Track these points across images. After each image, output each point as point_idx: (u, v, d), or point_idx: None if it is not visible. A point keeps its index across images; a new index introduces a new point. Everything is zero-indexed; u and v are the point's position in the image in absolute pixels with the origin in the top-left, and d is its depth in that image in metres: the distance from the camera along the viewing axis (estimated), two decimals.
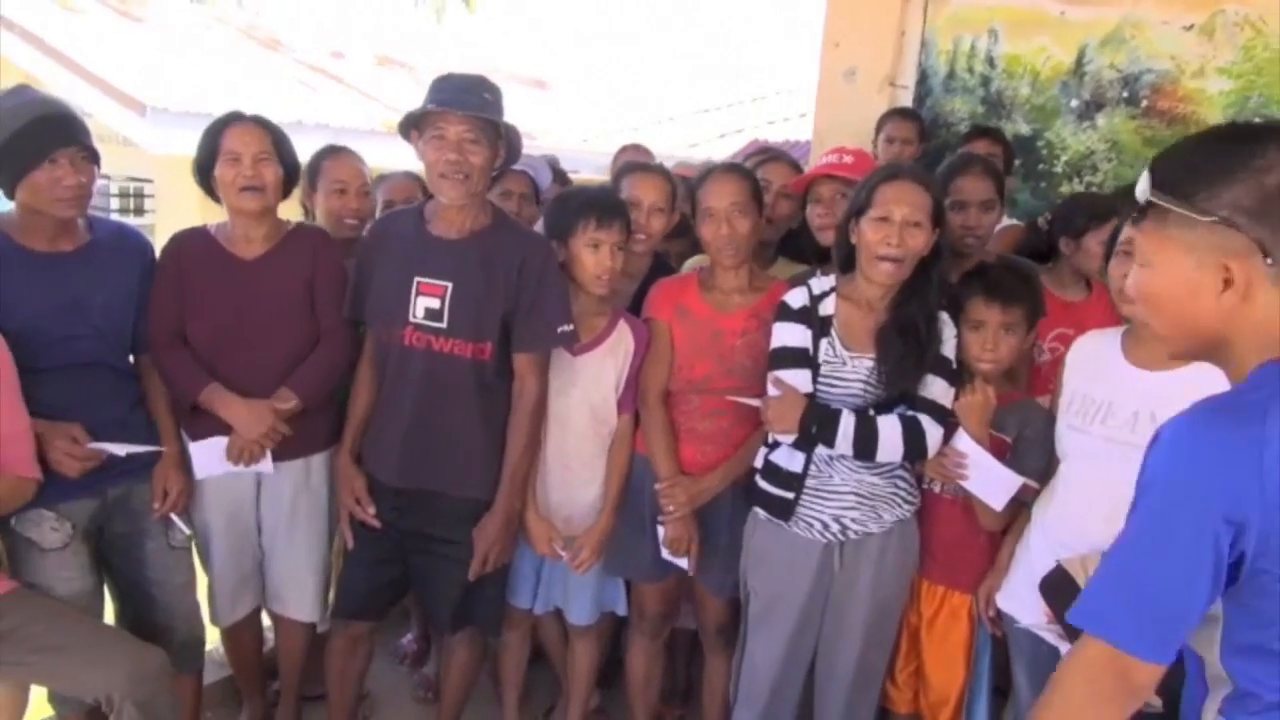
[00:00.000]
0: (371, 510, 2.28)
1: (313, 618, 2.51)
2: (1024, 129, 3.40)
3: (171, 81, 6.70)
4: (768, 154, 3.00)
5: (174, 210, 6.48)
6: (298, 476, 2.38)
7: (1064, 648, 2.00)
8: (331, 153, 2.76)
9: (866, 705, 2.29)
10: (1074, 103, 3.31)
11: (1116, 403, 1.93)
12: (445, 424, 2.21)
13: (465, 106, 2.11)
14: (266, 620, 2.66)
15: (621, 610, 2.56)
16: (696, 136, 9.43)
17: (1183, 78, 3.13)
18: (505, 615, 2.46)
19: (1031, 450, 2.14)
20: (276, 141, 2.25)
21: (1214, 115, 3.08)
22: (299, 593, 2.47)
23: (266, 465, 2.31)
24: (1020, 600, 2.07)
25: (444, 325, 2.17)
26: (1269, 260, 1.08)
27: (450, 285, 2.17)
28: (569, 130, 9.02)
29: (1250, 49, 3.02)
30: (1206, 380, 1.81)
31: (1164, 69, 3.15)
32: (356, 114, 7.68)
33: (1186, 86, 3.13)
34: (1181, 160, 1.16)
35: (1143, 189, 1.17)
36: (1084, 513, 1.93)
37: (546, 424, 2.32)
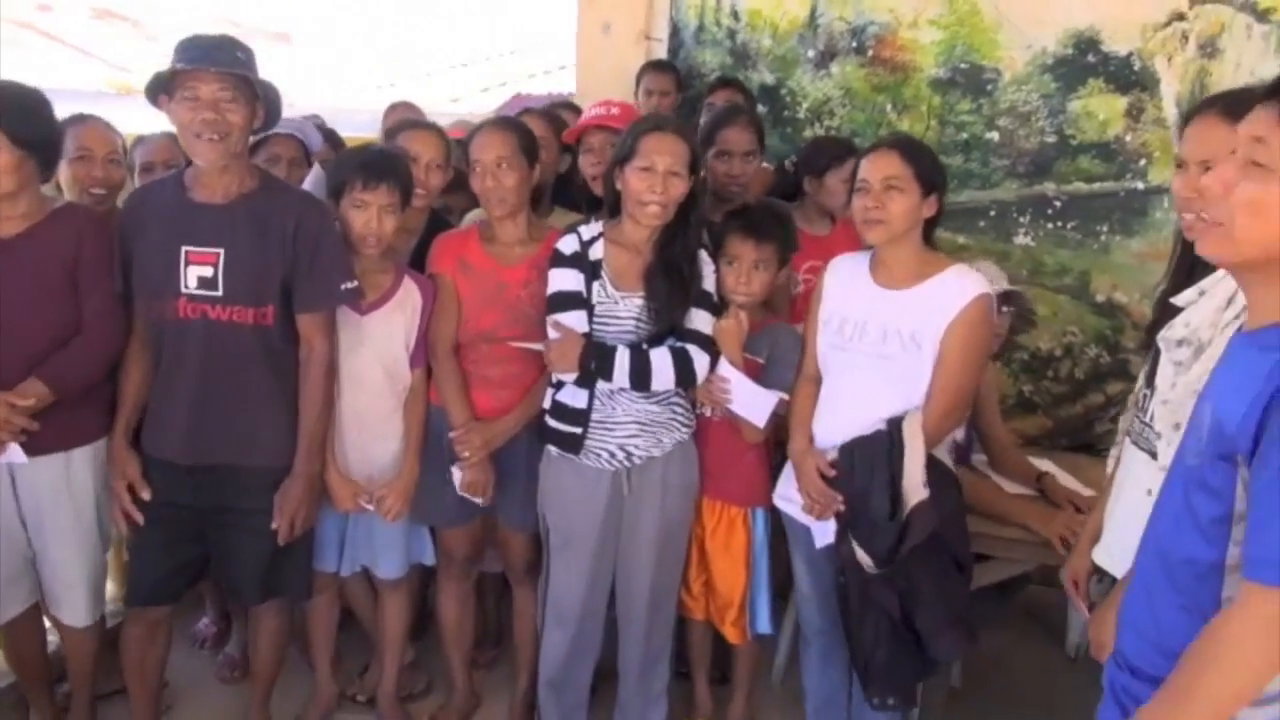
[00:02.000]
0: (146, 495, 2.21)
1: (87, 622, 2.38)
2: (769, 78, 3.66)
3: None
4: (525, 109, 3.09)
5: None
6: (56, 471, 2.23)
7: (813, 524, 2.27)
8: (77, 120, 2.56)
9: (665, 615, 2.50)
10: (810, 53, 3.60)
11: (870, 320, 2.19)
12: (232, 394, 2.17)
13: (218, 64, 2.05)
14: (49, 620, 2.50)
15: (430, 560, 2.62)
16: (458, 90, 9.31)
17: (900, 29, 3.47)
18: (312, 580, 2.46)
19: (779, 366, 2.39)
20: (10, 121, 2.04)
21: (928, 63, 3.45)
22: (71, 595, 2.33)
23: (15, 455, 2.14)
24: (792, 497, 2.32)
25: (220, 293, 2.12)
26: None
27: (222, 251, 2.12)
28: (318, 87, 8.63)
29: (954, 2, 3.39)
30: (935, 297, 2.12)
31: (885, 21, 3.48)
32: (74, 73, 7.00)
33: (904, 37, 3.47)
34: None
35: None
36: (851, 417, 2.18)
37: (339, 384, 2.32)
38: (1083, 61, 3.31)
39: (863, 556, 2.14)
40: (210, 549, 2.33)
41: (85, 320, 2.19)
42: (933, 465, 2.12)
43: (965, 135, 3.47)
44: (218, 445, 2.19)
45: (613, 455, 2.30)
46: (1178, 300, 1.64)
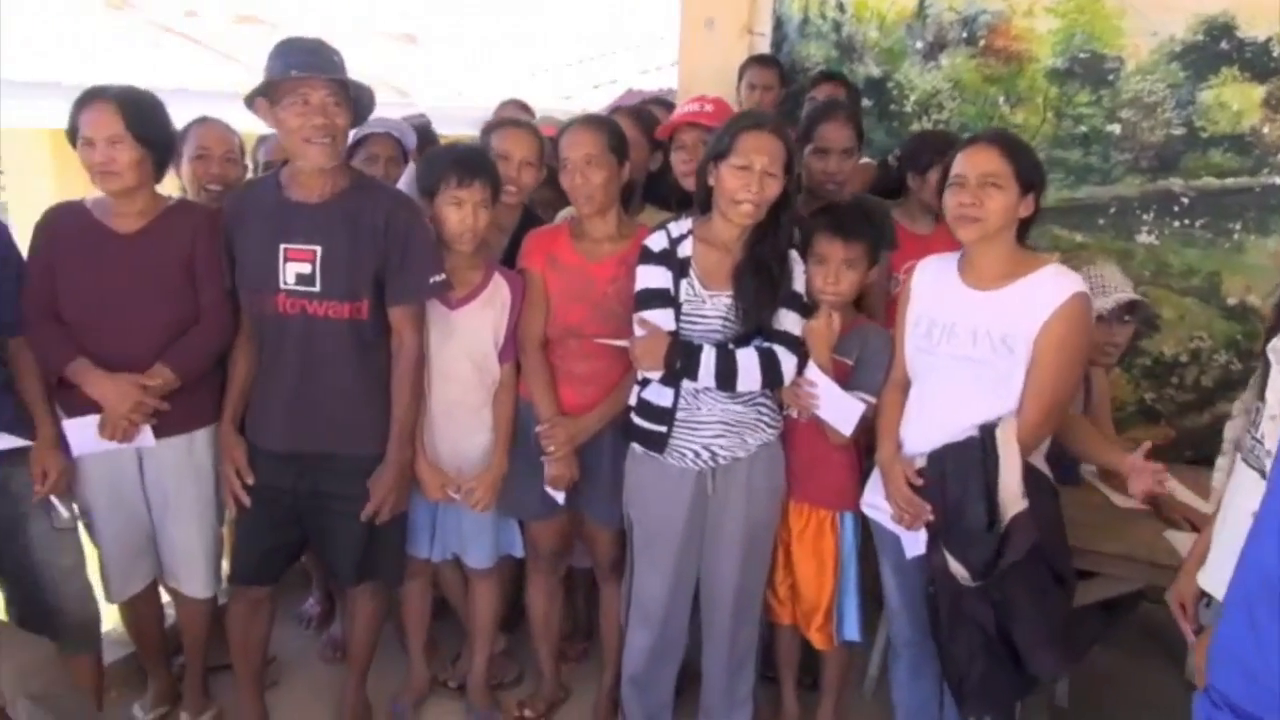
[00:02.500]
0: (250, 479, 2.32)
1: (207, 593, 2.52)
2: (875, 71, 3.57)
3: (13, 50, 6.31)
4: (616, 107, 3.09)
5: (26, 183, 6.17)
6: (180, 452, 2.38)
7: (903, 534, 2.20)
8: (198, 122, 2.73)
9: (750, 618, 2.47)
10: (919, 44, 3.49)
11: (958, 323, 2.10)
12: (328, 385, 2.26)
13: (326, 70, 2.14)
14: (166, 593, 2.66)
15: (518, 552, 2.66)
16: (570, 88, 9.40)
17: (1014, 17, 3.33)
18: (405, 565, 2.54)
19: (868, 369, 2.33)
20: (133, 120, 2.18)
21: (1044, 52, 3.30)
22: (190, 569, 2.47)
23: (145, 439, 2.30)
24: (880, 505, 2.26)
25: (317, 289, 2.20)
26: None
27: (319, 249, 2.20)
28: (441, 86, 8.87)
29: None
30: (1028, 297, 2.02)
31: (998, 9, 3.34)
32: (215, 76, 7.39)
33: (1018, 26, 3.33)
34: None
35: None
36: (940, 424, 2.10)
37: (430, 378, 2.38)
38: (1215, 49, 3.10)
39: (957, 568, 2.06)
40: (308, 532, 2.43)
41: (202, 310, 2.32)
42: (1030, 474, 2.03)
43: (1084, 128, 3.30)
44: (314, 434, 2.28)
45: (697, 455, 2.28)
46: None
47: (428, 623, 2.79)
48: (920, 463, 2.14)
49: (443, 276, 2.29)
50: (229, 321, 2.35)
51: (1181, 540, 2.26)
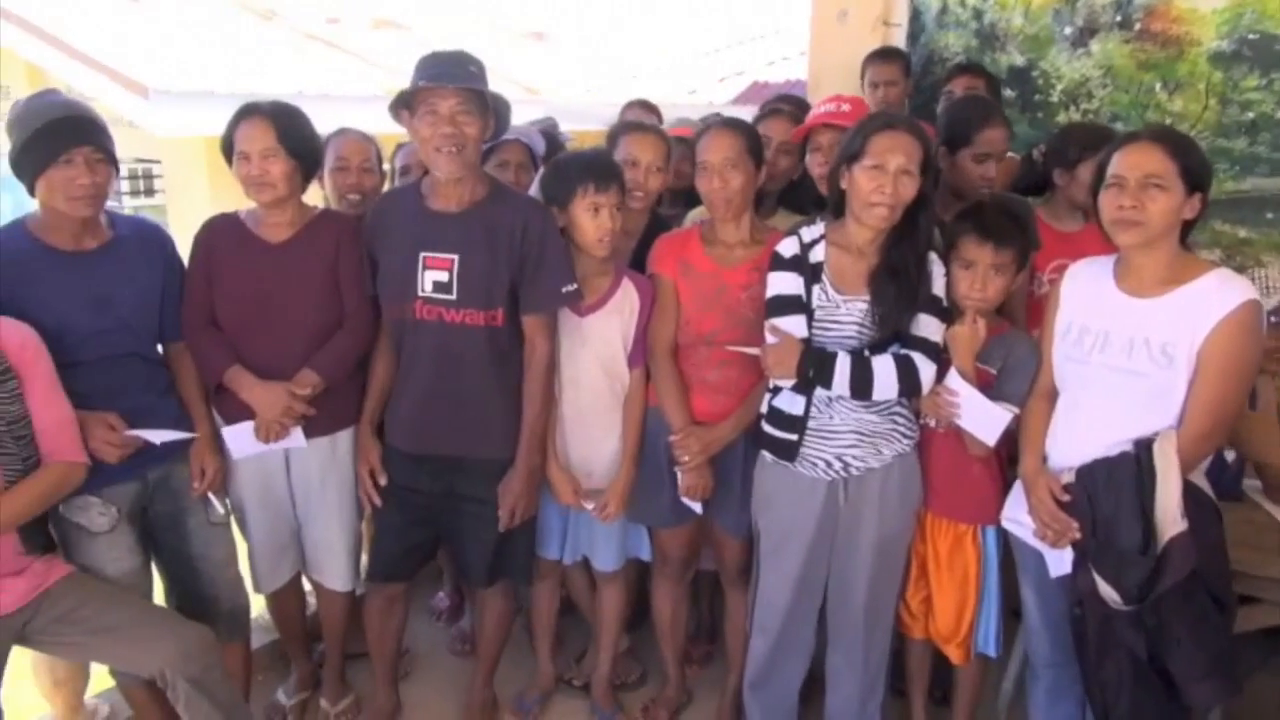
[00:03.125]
0: (384, 480, 2.40)
1: (347, 586, 2.62)
2: (1018, 60, 3.40)
3: (172, 61, 6.72)
4: (768, 108, 3.03)
5: (183, 190, 6.55)
6: (324, 452, 2.47)
7: (1047, 551, 2.08)
8: (338, 133, 2.83)
9: (882, 631, 2.40)
10: (1067, 30, 3.30)
11: (1113, 331, 1.98)
12: (463, 391, 2.31)
13: (455, 80, 2.17)
14: (308, 584, 2.78)
15: (646, 555, 2.67)
16: (695, 82, 9.35)
17: None
18: (535, 566, 2.58)
19: (1013, 378, 2.21)
20: (284, 133, 2.28)
21: (1208, 35, 3.07)
22: (332, 562, 2.58)
23: (297, 440, 2.40)
24: (1022, 520, 2.15)
25: (454, 297, 2.25)
26: None
27: (457, 258, 2.24)
28: (570, 83, 8.97)
29: None
30: (1191, 305, 1.89)
31: None
32: (357, 81, 7.68)
33: (1179, 7, 3.10)
34: None
35: None
36: (1091, 438, 1.99)
37: (560, 384, 2.41)
38: None
39: (1108, 591, 1.94)
40: (442, 533, 2.50)
41: (345, 316, 2.41)
42: (1190, 492, 1.89)
43: (1252, 115, 3.06)
44: (448, 437, 2.34)
45: (829, 465, 2.23)
46: None
47: (555, 622, 2.82)
48: (1068, 477, 2.03)
49: (575, 285, 2.31)
50: (370, 327, 2.43)
51: None
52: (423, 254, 2.26)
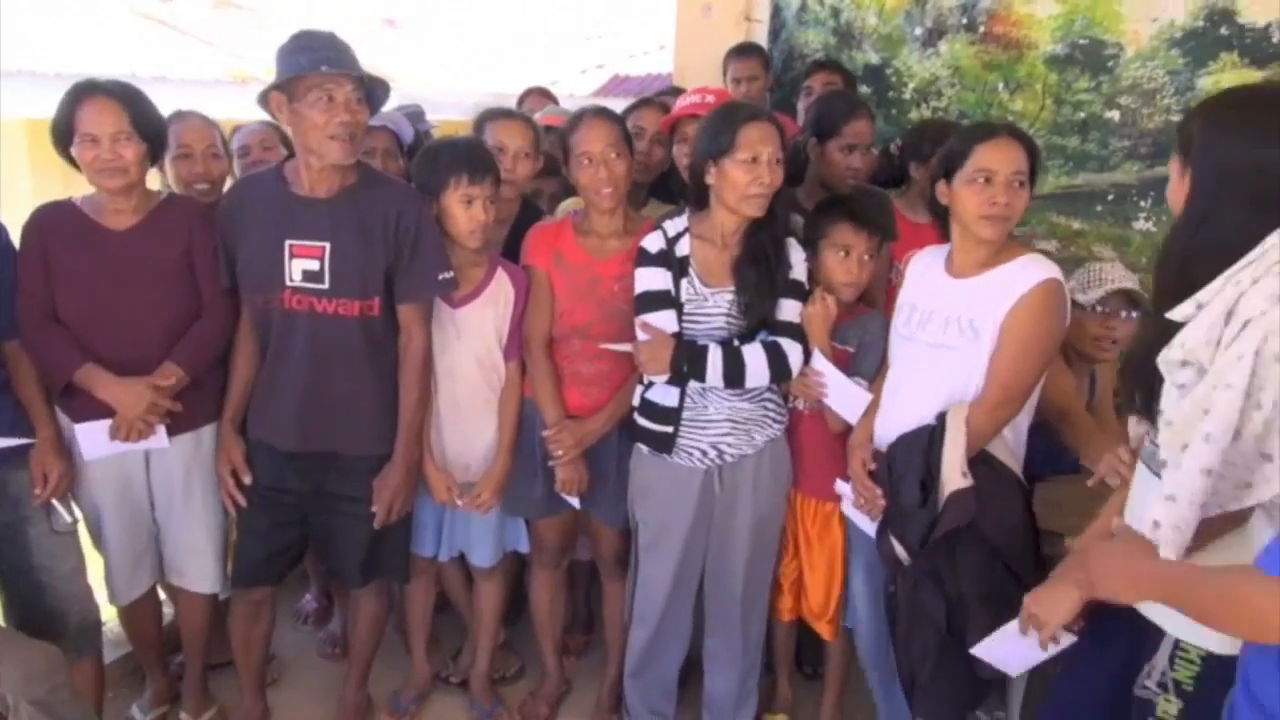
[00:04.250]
0: (248, 479, 2.30)
1: (214, 588, 2.49)
2: (873, 58, 3.54)
3: None
4: (640, 100, 3.06)
5: (9, 175, 6.05)
6: (188, 449, 2.35)
7: (867, 525, 2.17)
8: (176, 118, 2.64)
9: (759, 611, 2.47)
10: (918, 31, 3.46)
11: (936, 310, 2.08)
12: (339, 385, 2.23)
13: (350, 67, 2.11)
14: (164, 593, 2.63)
15: (524, 548, 2.65)
16: (556, 73, 9.30)
17: (1015, 3, 3.30)
18: (410, 565, 2.52)
19: (868, 355, 2.32)
20: (135, 115, 2.15)
21: (1044, 39, 3.28)
22: (198, 564, 2.45)
23: (159, 440, 2.26)
24: (847, 493, 2.24)
25: (326, 286, 2.17)
26: None
27: (328, 245, 2.16)
28: (425, 72, 8.77)
29: None
30: (999, 283, 1.98)
31: None
32: (196, 63, 7.27)
33: (1018, 12, 3.30)
34: None
35: None
36: (908, 409, 2.08)
37: (436, 377, 2.36)
38: (1215, 34, 3.08)
39: (899, 550, 2.04)
40: (312, 533, 2.41)
41: (204, 305, 2.29)
42: (988, 463, 1.99)
43: (1083, 115, 3.29)
44: (321, 433, 2.26)
45: (704, 454, 2.27)
46: (1175, 315, 1.43)
47: (430, 619, 2.76)
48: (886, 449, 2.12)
49: (451, 274, 2.27)
50: (231, 315, 2.32)
51: None
52: (289, 242, 2.17)
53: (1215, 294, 1.37)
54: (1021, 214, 2.00)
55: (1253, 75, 3.07)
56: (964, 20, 3.38)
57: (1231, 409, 1.29)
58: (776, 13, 3.65)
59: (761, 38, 3.65)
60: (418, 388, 2.27)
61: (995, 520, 1.96)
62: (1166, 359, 1.44)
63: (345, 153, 2.13)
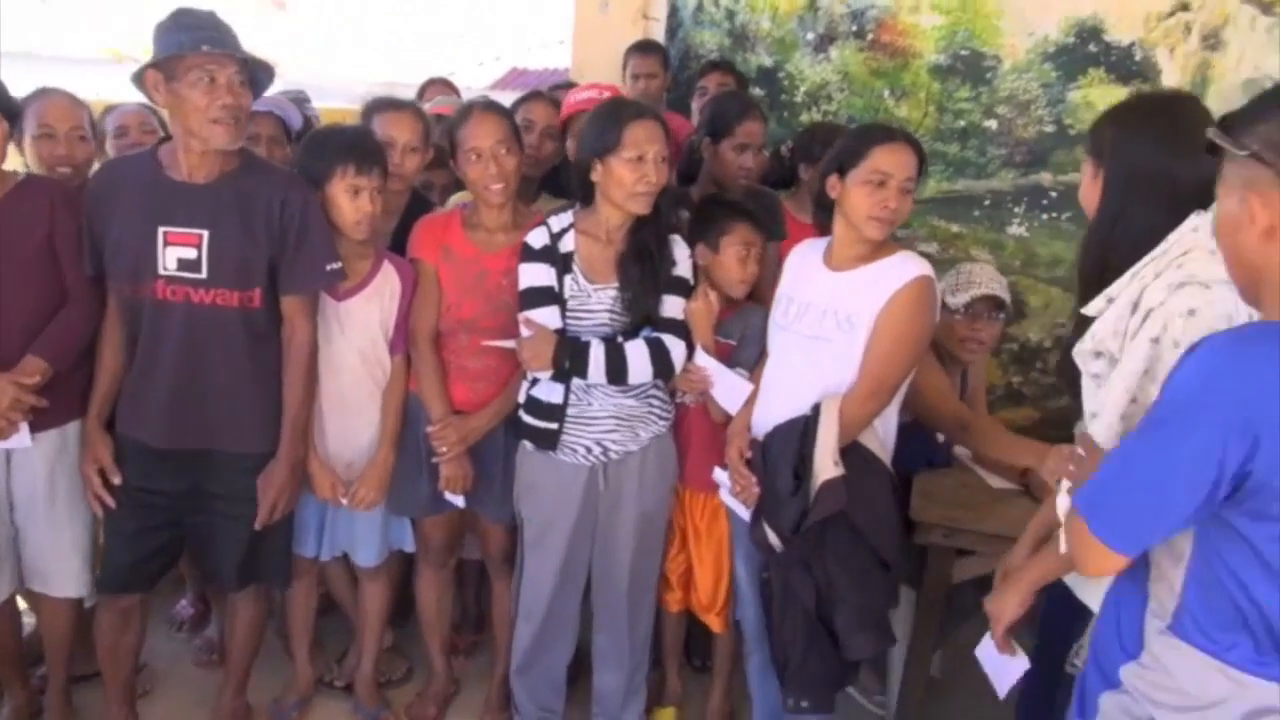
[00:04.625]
0: (117, 479, 2.19)
1: (79, 593, 2.37)
2: (766, 61, 3.59)
3: None
4: (530, 93, 3.04)
5: None
6: (53, 446, 2.23)
7: (745, 513, 2.21)
8: (38, 95, 2.49)
9: (646, 607, 2.48)
10: (810, 36, 3.53)
11: (813, 302, 2.13)
12: (216, 379, 2.15)
13: (233, 49, 2.02)
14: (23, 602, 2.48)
15: (409, 547, 2.60)
16: (453, 64, 9.16)
17: (901, 13, 3.40)
18: (291, 566, 2.44)
19: (749, 346, 2.36)
20: None
21: (928, 49, 3.39)
22: (62, 568, 2.32)
23: (21, 439, 2.14)
24: (725, 481, 2.28)
25: (203, 276, 2.08)
26: None
27: (207, 233, 2.08)
28: (314, 57, 8.51)
29: None
30: (875, 278, 2.04)
31: (885, 4, 3.41)
32: (69, 39, 6.89)
33: (904, 22, 3.40)
34: (1241, 109, 1.21)
35: (1211, 131, 1.21)
36: (785, 399, 2.12)
37: (319, 372, 2.29)
38: (1084, 51, 3.25)
39: (772, 537, 2.09)
40: (187, 535, 2.31)
41: (69, 293, 2.17)
42: (859, 453, 2.06)
43: (963, 123, 3.42)
44: (198, 430, 2.17)
45: (589, 450, 2.27)
46: (1088, 310, 1.54)
47: (313, 622, 2.69)
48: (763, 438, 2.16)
49: (339, 264, 2.21)
50: (98, 305, 2.20)
51: None
52: (162, 229, 2.07)
53: (1123, 288, 1.48)
54: (906, 217, 2.07)
55: (1118, 90, 3.24)
56: (854, 28, 3.47)
57: (1129, 384, 1.41)
58: (673, 12, 3.67)
59: (658, 36, 3.67)
60: (303, 382, 2.20)
61: (864, 508, 2.04)
62: (1080, 350, 1.56)
63: (230, 137, 2.05)
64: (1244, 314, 1.33)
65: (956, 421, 2.34)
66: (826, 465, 1.99)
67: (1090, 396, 1.58)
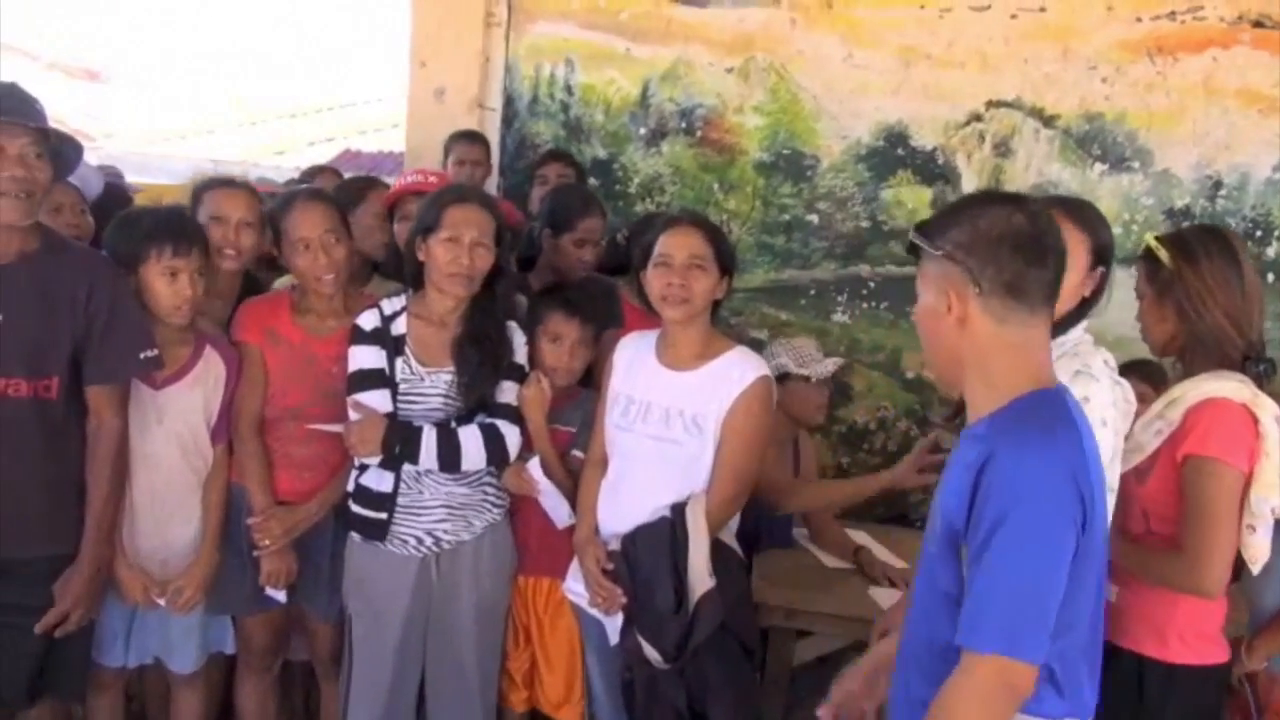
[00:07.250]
0: None
1: None
2: (601, 153, 3.71)
3: None
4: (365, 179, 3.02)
5: None
6: None
7: (604, 619, 2.20)
8: None
9: (485, 707, 2.38)
10: (642, 130, 3.68)
11: (654, 402, 2.16)
12: (3, 476, 1.96)
13: (29, 117, 1.90)
14: None
15: (229, 649, 2.44)
16: (284, 143, 8.94)
17: (727, 113, 3.60)
18: (89, 678, 2.23)
19: (587, 432, 2.36)
20: None
21: (753, 146, 3.60)
22: None
23: None
24: (578, 590, 2.26)
25: None
26: (977, 290, 1.27)
27: (1, 318, 1.92)
28: (133, 131, 8.14)
29: (776, 91, 3.56)
30: (715, 379, 2.12)
31: (712, 104, 3.61)
32: None
33: (730, 120, 3.61)
34: (939, 212, 1.39)
35: (911, 233, 1.36)
36: (635, 503, 2.14)
37: (132, 465, 2.13)
38: (893, 154, 3.52)
39: (650, 652, 2.08)
40: None
41: None
42: (719, 550, 2.10)
43: (787, 216, 3.62)
44: None
45: (420, 541, 2.22)
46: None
47: None
48: (616, 545, 2.16)
49: (155, 352, 2.08)
50: None
51: (884, 596, 2.47)
52: None
53: None
54: (706, 295, 2.13)
55: (923, 191, 3.52)
56: (683, 124, 3.64)
57: None
58: (509, 102, 3.75)
59: (494, 125, 3.72)
60: (109, 479, 2.04)
61: (728, 601, 2.07)
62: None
63: (20, 212, 1.92)
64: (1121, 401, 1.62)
65: (784, 486, 2.44)
66: (703, 577, 2.02)
67: None
